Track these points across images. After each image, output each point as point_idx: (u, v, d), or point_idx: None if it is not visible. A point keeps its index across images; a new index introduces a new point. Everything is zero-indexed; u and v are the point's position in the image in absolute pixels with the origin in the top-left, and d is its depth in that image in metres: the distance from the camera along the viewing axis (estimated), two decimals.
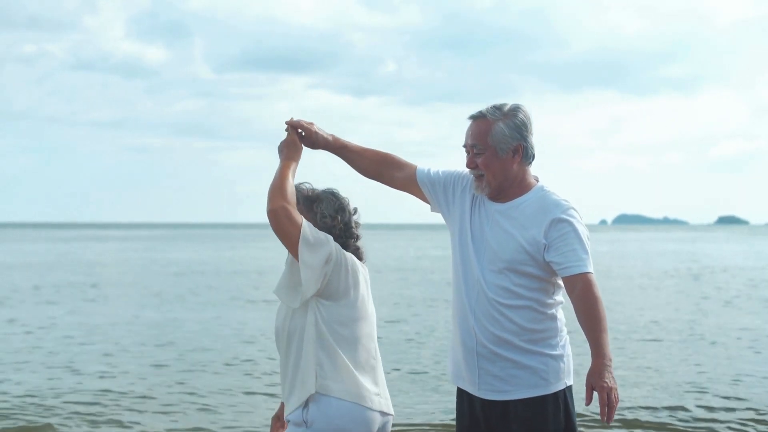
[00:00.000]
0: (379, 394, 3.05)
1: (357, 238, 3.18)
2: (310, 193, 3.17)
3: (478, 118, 3.13)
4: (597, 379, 2.88)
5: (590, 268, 3.00)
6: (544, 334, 3.07)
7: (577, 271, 2.97)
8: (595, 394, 2.93)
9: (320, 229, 3.06)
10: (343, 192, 3.22)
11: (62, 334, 12.95)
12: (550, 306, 3.09)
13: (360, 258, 3.17)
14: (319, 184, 3.23)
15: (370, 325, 3.11)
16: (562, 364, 3.09)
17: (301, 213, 3.04)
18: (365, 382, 3.01)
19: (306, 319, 3.01)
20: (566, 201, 3.11)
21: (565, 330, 3.15)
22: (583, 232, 3.06)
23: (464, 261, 3.16)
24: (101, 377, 9.49)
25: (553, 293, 3.10)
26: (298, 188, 3.13)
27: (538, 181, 3.20)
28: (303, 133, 3.22)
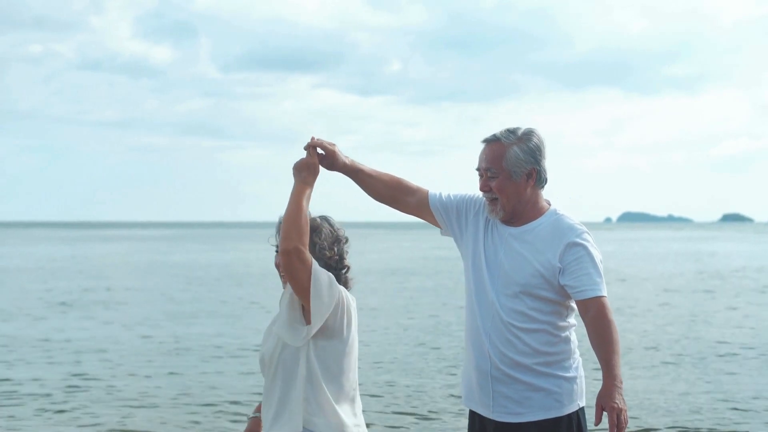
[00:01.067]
0: (358, 425, 3.02)
1: (348, 269, 3.10)
2: (311, 223, 3.06)
3: (492, 142, 3.14)
4: (607, 399, 2.91)
5: (604, 292, 3.03)
6: (558, 356, 3.09)
7: (591, 294, 3.00)
8: (605, 415, 2.95)
9: (317, 259, 2.99)
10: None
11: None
12: (564, 329, 3.12)
13: (348, 288, 3.10)
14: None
15: (355, 357, 3.07)
16: (575, 386, 3.11)
17: None
18: (346, 414, 2.98)
19: (299, 355, 2.96)
20: (580, 225, 3.13)
21: (577, 352, 3.18)
22: (597, 256, 3.09)
23: (478, 285, 3.17)
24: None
25: (566, 316, 3.13)
26: None
27: (550, 204, 3.21)
28: (323, 154, 3.11)
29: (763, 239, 77.68)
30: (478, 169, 3.18)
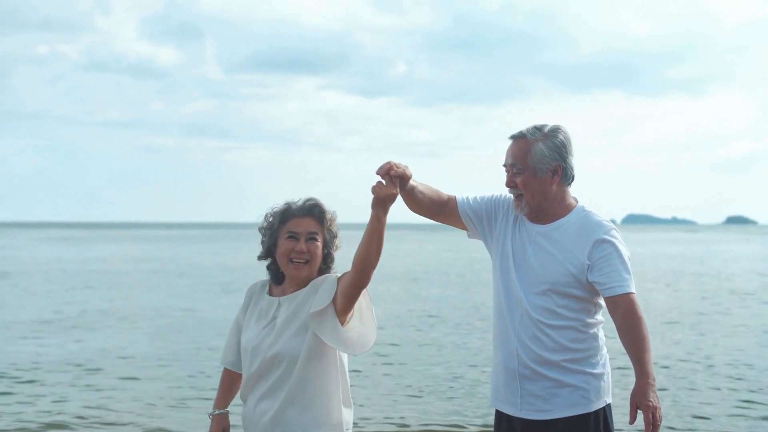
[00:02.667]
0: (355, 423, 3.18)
1: (333, 260, 3.15)
2: (333, 216, 3.15)
3: (518, 138, 3.15)
4: (642, 398, 2.90)
5: (632, 289, 3.03)
6: (585, 353, 3.10)
7: (620, 291, 3.01)
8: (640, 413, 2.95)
9: (332, 252, 3.13)
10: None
11: None
12: (592, 326, 3.13)
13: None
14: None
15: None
16: (602, 383, 3.12)
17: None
18: (349, 414, 3.10)
19: (331, 353, 3.02)
20: (608, 222, 3.14)
21: (605, 349, 3.19)
22: (625, 253, 3.09)
23: (506, 284, 3.18)
24: None
25: (594, 313, 3.14)
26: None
27: (577, 201, 3.22)
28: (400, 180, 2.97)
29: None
30: (504, 165, 3.19)
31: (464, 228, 3.35)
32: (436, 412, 8.21)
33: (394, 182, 2.90)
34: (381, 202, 2.88)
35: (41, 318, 15.70)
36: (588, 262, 3.05)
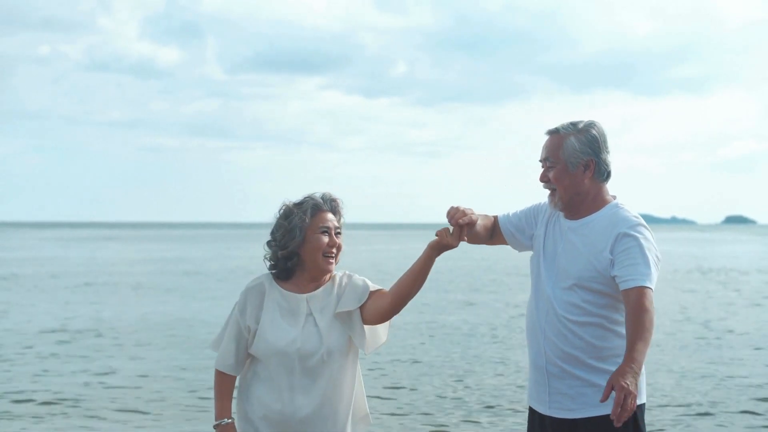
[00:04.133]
0: None
1: None
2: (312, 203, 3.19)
3: (552, 134, 3.17)
4: (619, 377, 2.75)
5: (648, 283, 2.94)
6: (612, 351, 3.05)
7: (634, 284, 2.93)
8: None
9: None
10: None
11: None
12: (620, 323, 3.07)
13: None
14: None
15: None
16: None
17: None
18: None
19: (352, 356, 3.16)
20: (636, 218, 3.10)
21: None
22: (650, 248, 3.02)
23: (536, 280, 3.20)
24: None
25: (621, 310, 3.07)
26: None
27: (615, 198, 3.20)
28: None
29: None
30: (540, 161, 3.20)
31: (514, 246, 3.38)
32: (471, 408, 8.27)
33: (462, 231, 3.03)
34: (441, 249, 3.04)
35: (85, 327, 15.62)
36: (611, 257, 3.01)
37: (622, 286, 2.96)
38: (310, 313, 3.08)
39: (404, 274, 3.07)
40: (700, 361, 10.90)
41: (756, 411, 8.17)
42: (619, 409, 2.70)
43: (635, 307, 2.89)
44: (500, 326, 14.70)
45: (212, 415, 3.15)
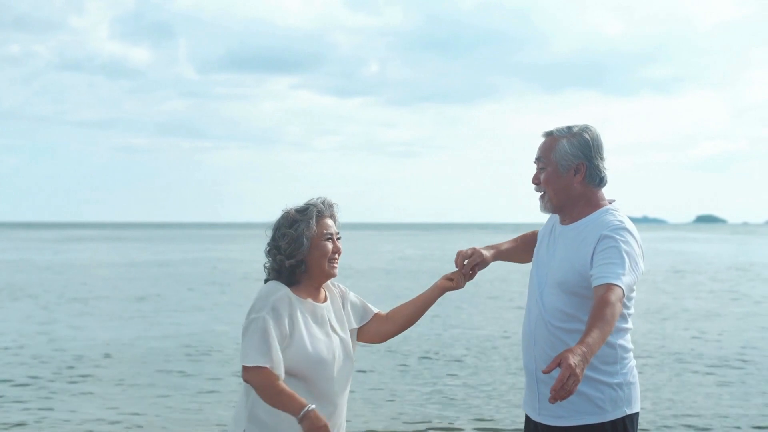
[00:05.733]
0: None
1: None
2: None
3: (547, 135, 3.18)
4: (569, 356, 2.60)
5: (619, 282, 2.85)
6: (601, 360, 2.98)
7: (603, 281, 2.86)
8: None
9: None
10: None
11: None
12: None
13: None
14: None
15: None
16: (620, 393, 3.02)
17: None
18: None
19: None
20: (622, 222, 3.05)
21: (629, 357, 3.09)
22: (628, 252, 2.95)
23: (530, 286, 3.21)
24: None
25: None
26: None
27: (611, 203, 3.17)
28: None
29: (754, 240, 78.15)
30: (534, 161, 3.21)
31: None
32: (469, 411, 8.29)
33: (471, 272, 3.26)
34: (448, 290, 3.26)
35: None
36: (591, 259, 2.98)
37: (593, 284, 2.90)
38: (330, 324, 3.14)
39: (409, 305, 3.27)
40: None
41: None
42: (560, 386, 2.57)
43: (599, 300, 2.82)
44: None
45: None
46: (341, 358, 3.09)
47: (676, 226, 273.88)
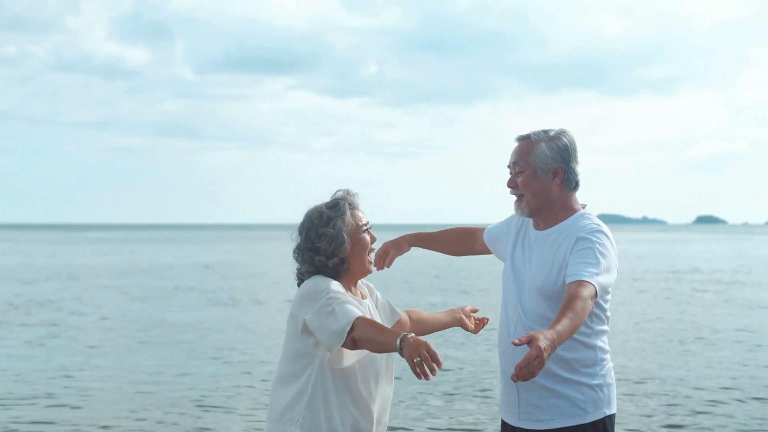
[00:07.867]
0: None
1: None
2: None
3: (523, 139, 3.17)
4: (539, 337, 2.58)
5: (592, 280, 2.85)
6: (581, 362, 3.04)
7: (577, 278, 2.86)
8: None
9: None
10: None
11: None
12: (588, 334, 3.04)
13: None
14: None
15: None
16: (601, 394, 3.06)
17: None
18: None
19: None
20: (598, 225, 3.08)
21: (607, 358, 3.12)
22: (603, 254, 2.96)
23: (506, 290, 3.20)
24: None
25: (590, 322, 3.04)
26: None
27: (584, 207, 3.19)
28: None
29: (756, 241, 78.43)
30: (507, 166, 3.19)
31: (497, 255, 3.43)
32: (449, 416, 8.21)
33: (388, 266, 3.45)
34: (462, 327, 3.43)
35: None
36: (567, 262, 2.99)
37: (567, 281, 2.90)
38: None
39: (428, 321, 3.34)
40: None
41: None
42: (526, 364, 2.54)
43: (571, 295, 2.80)
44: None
45: None
46: (385, 355, 3.02)
47: (676, 227, 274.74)
